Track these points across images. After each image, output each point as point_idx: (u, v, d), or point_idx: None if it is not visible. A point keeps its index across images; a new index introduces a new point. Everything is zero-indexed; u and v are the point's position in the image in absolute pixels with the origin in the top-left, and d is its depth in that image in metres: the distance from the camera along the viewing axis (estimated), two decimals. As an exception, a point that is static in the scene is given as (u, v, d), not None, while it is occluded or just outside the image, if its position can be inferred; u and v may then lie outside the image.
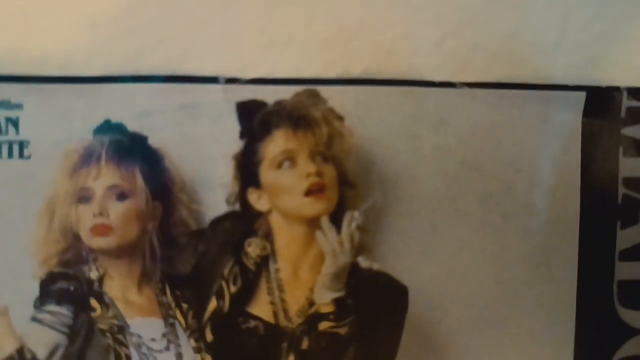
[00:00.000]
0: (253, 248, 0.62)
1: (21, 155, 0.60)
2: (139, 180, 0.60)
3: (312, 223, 0.61)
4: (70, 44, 0.60)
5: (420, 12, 0.63)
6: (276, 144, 0.61)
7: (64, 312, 0.60)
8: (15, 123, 0.60)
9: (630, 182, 0.64)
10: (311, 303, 0.62)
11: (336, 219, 0.61)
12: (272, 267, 0.62)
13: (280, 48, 0.62)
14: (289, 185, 0.61)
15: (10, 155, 0.60)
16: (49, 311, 0.60)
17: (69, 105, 0.60)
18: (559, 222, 0.64)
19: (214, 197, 0.61)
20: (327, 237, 0.61)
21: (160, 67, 0.61)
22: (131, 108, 0.60)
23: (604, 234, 0.64)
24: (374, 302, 0.62)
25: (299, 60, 0.62)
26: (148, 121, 0.60)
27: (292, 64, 0.62)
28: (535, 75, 0.63)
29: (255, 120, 0.61)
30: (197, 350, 0.61)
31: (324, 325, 0.62)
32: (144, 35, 0.61)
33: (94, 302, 0.61)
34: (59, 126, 0.60)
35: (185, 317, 0.61)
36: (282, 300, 0.62)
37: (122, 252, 0.60)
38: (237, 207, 0.61)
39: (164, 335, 0.61)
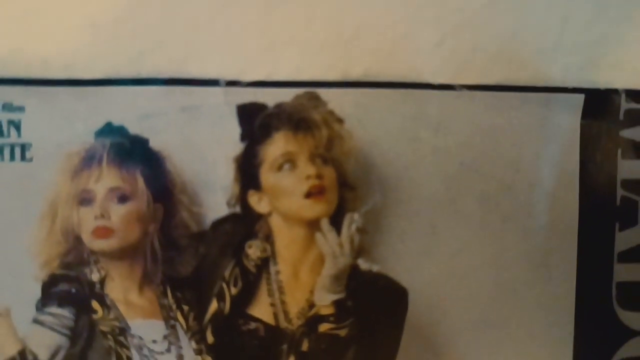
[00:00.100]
0: (253, 250, 0.62)
1: (23, 157, 0.60)
2: (140, 182, 0.60)
3: (312, 225, 0.61)
4: (71, 46, 0.60)
5: (419, 15, 0.63)
6: (276, 146, 0.61)
7: (65, 314, 0.60)
8: (17, 126, 0.60)
9: (628, 184, 0.64)
10: (311, 305, 0.62)
11: (336, 221, 0.61)
12: (272, 269, 0.62)
13: (280, 51, 0.62)
14: (289, 187, 0.61)
15: (12, 157, 0.60)
16: (51, 313, 0.60)
17: (71, 108, 0.60)
18: (558, 224, 0.64)
19: (215, 199, 0.61)
20: (327, 239, 0.61)
21: (161, 69, 0.61)
22: (132, 111, 0.60)
23: (602, 236, 0.64)
24: (373, 304, 0.62)
25: (299, 63, 0.62)
26: (149, 124, 0.60)
27: (292, 66, 0.62)
28: (535, 78, 0.63)
29: (255, 123, 0.61)
30: (198, 352, 0.61)
31: (324, 327, 0.62)
32: (145, 38, 0.61)
33: (95, 304, 0.61)
34: (61, 129, 0.60)
35: (186, 318, 0.62)
36: (283, 302, 0.62)
37: (124, 254, 0.61)
38: (237, 209, 0.61)
39: (165, 337, 0.61)
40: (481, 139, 0.63)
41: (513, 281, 0.64)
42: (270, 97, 0.61)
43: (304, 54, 0.62)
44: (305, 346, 0.62)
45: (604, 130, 0.64)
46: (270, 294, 0.62)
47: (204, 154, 0.61)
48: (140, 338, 0.61)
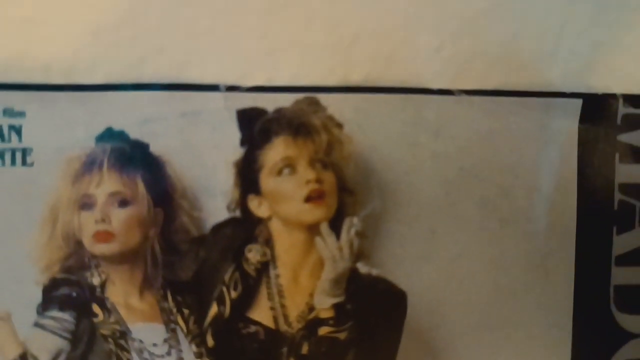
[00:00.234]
0: (253, 254, 0.62)
1: (24, 162, 0.60)
2: (141, 187, 0.60)
3: (312, 229, 0.62)
4: (72, 52, 0.60)
5: (419, 21, 0.63)
6: (276, 151, 0.61)
7: (66, 317, 0.60)
8: (18, 130, 0.60)
9: (626, 188, 0.65)
10: (311, 308, 0.62)
11: (335, 226, 0.61)
12: (272, 272, 0.62)
13: (280, 56, 0.62)
14: (289, 192, 0.61)
15: (13, 162, 0.60)
16: (52, 317, 0.60)
17: (71, 113, 0.60)
18: (557, 227, 0.64)
19: (215, 204, 0.61)
20: (326, 243, 0.61)
21: (161, 75, 0.61)
22: (133, 116, 0.60)
23: (600, 239, 0.65)
24: (373, 308, 0.63)
25: (299, 68, 0.62)
26: (149, 129, 0.60)
27: (292, 71, 0.62)
28: (533, 83, 0.64)
29: (255, 128, 0.61)
30: (199, 356, 0.61)
31: (323, 330, 0.62)
32: (145, 43, 0.61)
33: (96, 308, 0.61)
34: (62, 134, 0.60)
35: (186, 322, 0.62)
36: (282, 306, 0.62)
37: (124, 258, 0.61)
38: (237, 213, 0.62)
39: (165, 340, 0.61)
40: (480, 143, 0.63)
41: (512, 285, 0.64)
42: (270, 102, 0.61)
43: (303, 59, 0.62)
44: (305, 349, 0.62)
45: (601, 135, 0.64)
46: (270, 297, 0.62)
47: (204, 158, 0.61)
48: (141, 341, 0.61)
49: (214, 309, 0.62)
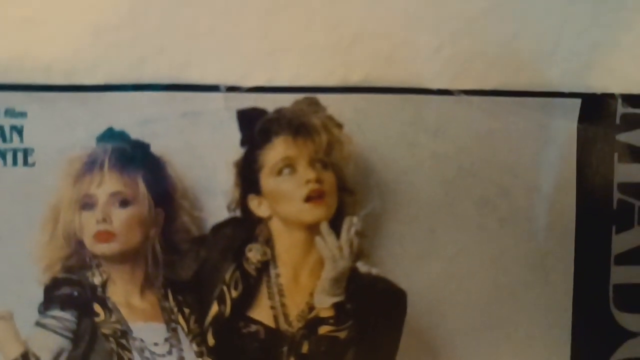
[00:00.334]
0: (254, 253, 0.62)
1: (25, 162, 0.60)
2: (142, 187, 0.60)
3: (312, 229, 0.62)
4: (73, 52, 0.61)
5: (418, 21, 0.63)
6: (276, 151, 0.61)
7: (67, 317, 0.60)
8: (19, 131, 0.60)
9: (625, 188, 0.65)
10: (311, 307, 0.62)
11: (335, 225, 0.62)
12: (272, 272, 0.63)
13: (280, 56, 0.62)
14: (289, 191, 0.61)
15: (14, 162, 0.60)
16: (53, 316, 0.60)
17: (72, 114, 0.60)
18: (556, 227, 0.64)
19: (215, 204, 0.61)
20: (326, 243, 0.61)
21: (162, 75, 0.61)
22: (133, 116, 0.60)
23: (599, 238, 0.65)
24: (372, 307, 0.63)
25: (299, 69, 0.62)
26: (150, 129, 0.61)
27: (292, 72, 0.62)
28: (532, 83, 0.64)
29: (255, 128, 0.61)
30: (199, 355, 0.62)
31: (323, 330, 0.62)
32: (146, 44, 0.61)
33: (97, 307, 0.61)
34: (63, 134, 0.60)
35: (187, 321, 0.62)
36: (283, 305, 0.63)
37: (125, 257, 0.61)
38: (238, 213, 0.62)
39: (166, 339, 0.62)
40: (479, 143, 0.63)
41: (511, 284, 0.64)
42: (270, 103, 0.61)
43: (303, 59, 0.62)
44: (305, 348, 0.62)
45: (600, 135, 0.64)
46: (271, 296, 0.63)
47: (204, 158, 0.61)
48: (142, 341, 0.61)
49: (214, 308, 0.62)
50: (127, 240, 0.60)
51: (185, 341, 0.62)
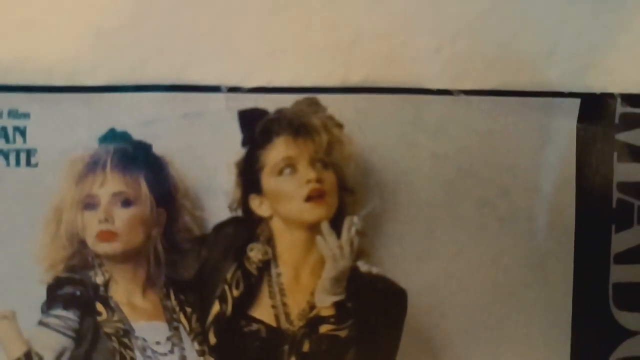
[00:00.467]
0: (255, 253, 0.63)
1: (28, 163, 0.60)
2: (144, 187, 0.61)
3: (313, 228, 0.62)
4: (75, 54, 0.61)
5: (418, 21, 0.63)
6: (277, 151, 0.61)
7: (70, 316, 0.61)
8: (22, 132, 0.60)
9: (624, 187, 0.65)
10: (312, 306, 0.62)
11: (336, 225, 0.62)
12: (273, 271, 0.63)
13: (280, 57, 0.62)
14: (289, 191, 0.61)
15: (17, 163, 0.60)
16: (56, 315, 0.61)
17: (75, 114, 0.61)
18: (555, 226, 0.64)
19: (217, 204, 0.62)
20: (327, 242, 0.62)
21: (163, 76, 0.61)
22: (135, 117, 0.61)
23: (599, 238, 0.65)
24: (373, 306, 0.63)
25: (299, 69, 0.62)
26: (152, 129, 0.61)
27: (292, 72, 0.62)
28: (531, 83, 0.64)
29: (256, 128, 0.61)
30: (201, 353, 0.62)
31: (324, 328, 0.62)
32: (147, 45, 0.61)
33: (99, 307, 0.61)
34: (65, 135, 0.60)
35: (189, 320, 0.62)
36: (284, 304, 0.63)
37: (127, 257, 0.61)
38: (239, 213, 0.62)
39: (168, 338, 0.62)
40: (479, 143, 0.63)
41: (511, 283, 0.64)
42: (270, 103, 0.61)
43: (304, 60, 0.62)
44: (306, 347, 0.62)
45: (599, 134, 0.64)
46: (272, 296, 0.63)
47: (205, 159, 0.61)
48: (144, 340, 0.62)
49: (216, 307, 0.62)
50: (129, 240, 0.61)
51: (187, 340, 0.62)
